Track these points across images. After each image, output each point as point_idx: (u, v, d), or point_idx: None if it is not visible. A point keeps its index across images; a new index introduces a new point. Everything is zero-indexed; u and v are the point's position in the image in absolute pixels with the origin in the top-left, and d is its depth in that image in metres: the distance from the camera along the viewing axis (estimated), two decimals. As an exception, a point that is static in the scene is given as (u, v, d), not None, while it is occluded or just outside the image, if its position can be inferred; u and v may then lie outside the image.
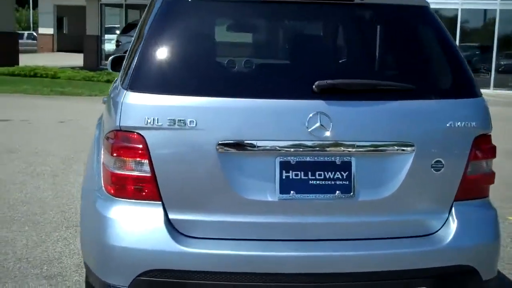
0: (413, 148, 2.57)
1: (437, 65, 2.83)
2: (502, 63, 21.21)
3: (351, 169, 2.56)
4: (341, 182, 2.55)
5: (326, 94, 2.52)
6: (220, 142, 2.47)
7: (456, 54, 2.75)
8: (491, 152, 2.74)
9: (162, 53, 2.56)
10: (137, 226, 2.50)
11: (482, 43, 22.23)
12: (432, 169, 2.61)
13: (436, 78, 2.82)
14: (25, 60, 21.89)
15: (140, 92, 2.50)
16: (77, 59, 26.44)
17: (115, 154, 2.52)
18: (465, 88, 2.73)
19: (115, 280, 2.52)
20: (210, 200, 2.51)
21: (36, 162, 7.08)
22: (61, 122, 10.36)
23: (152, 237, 2.48)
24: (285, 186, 2.52)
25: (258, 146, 2.49)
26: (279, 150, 2.51)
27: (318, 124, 2.49)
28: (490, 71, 20.87)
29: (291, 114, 2.50)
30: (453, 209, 2.67)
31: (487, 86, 20.46)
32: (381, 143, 2.57)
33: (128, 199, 2.53)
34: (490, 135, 2.74)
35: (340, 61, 3.02)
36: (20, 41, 25.64)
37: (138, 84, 2.52)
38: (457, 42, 20.56)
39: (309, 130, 2.49)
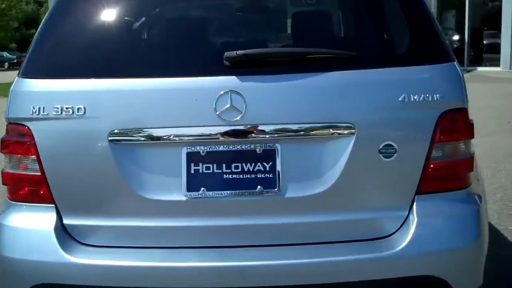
0: (352, 130, 2.05)
1: (386, 23, 2.27)
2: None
3: (275, 158, 2.07)
4: (263, 175, 2.07)
5: (239, 68, 2.05)
6: (112, 131, 2.07)
7: (416, 5, 2.17)
8: (466, 131, 2.15)
9: (52, 36, 2.25)
10: (25, 233, 2.16)
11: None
12: (381, 155, 2.07)
13: (386, 40, 2.26)
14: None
15: (28, 78, 2.18)
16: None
17: (3, 150, 2.20)
18: (426, 51, 2.16)
19: None
20: (107, 201, 2.12)
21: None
22: None
23: (39, 246, 2.12)
24: (194, 182, 2.08)
25: (159, 135, 2.07)
26: (185, 139, 2.07)
27: (228, 105, 2.03)
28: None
29: (197, 94, 2.07)
30: (414, 205, 2.11)
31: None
32: (312, 125, 2.06)
33: (21, 202, 2.21)
34: (464, 109, 2.14)
35: (260, 30, 2.51)
36: None
37: (28, 69, 2.21)
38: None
39: (217, 113, 2.04)
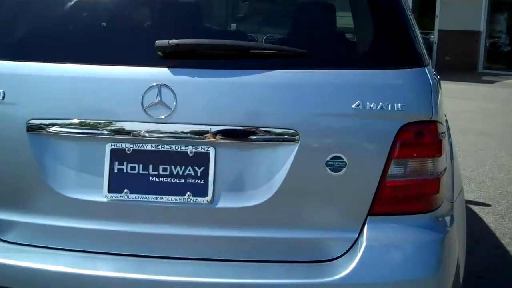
0: (296, 137, 1.80)
1: (350, 21, 1.99)
2: None
3: (208, 163, 1.84)
4: (193, 181, 1.84)
5: (173, 60, 1.83)
6: (30, 120, 1.88)
7: (380, 3, 1.89)
8: (432, 147, 1.86)
9: None
10: None
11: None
12: (327, 168, 1.80)
13: (344, 37, 1.98)
14: None
15: None
16: None
17: None
18: (391, 52, 1.88)
19: None
20: (24, 196, 1.94)
21: None
22: None
23: None
24: (117, 182, 1.87)
25: (81, 127, 1.87)
26: (110, 134, 1.86)
27: (156, 100, 1.81)
28: None
29: (125, 85, 1.85)
30: (365, 227, 1.84)
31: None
32: (250, 128, 1.81)
33: None
34: (432, 122, 1.84)
35: (207, 20, 2.25)
36: None
37: None
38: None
39: (144, 107, 1.82)
